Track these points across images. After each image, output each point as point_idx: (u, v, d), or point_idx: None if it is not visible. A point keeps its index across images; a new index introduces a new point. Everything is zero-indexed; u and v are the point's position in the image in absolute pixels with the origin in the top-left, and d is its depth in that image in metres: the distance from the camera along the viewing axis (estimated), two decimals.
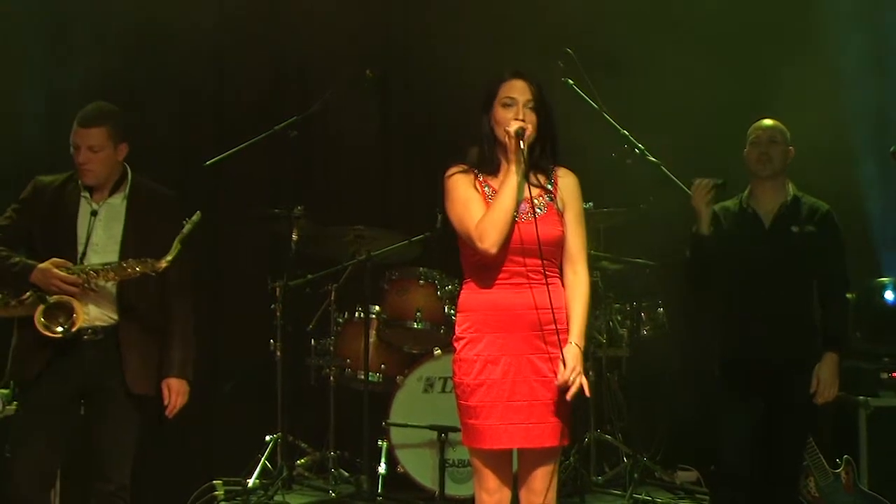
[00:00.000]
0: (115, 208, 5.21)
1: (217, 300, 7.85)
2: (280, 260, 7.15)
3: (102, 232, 5.16)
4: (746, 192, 5.82)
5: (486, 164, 4.48)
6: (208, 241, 7.80)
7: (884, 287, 6.85)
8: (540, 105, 4.44)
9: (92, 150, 5.13)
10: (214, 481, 6.96)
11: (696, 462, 7.36)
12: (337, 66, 7.43)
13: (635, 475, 6.99)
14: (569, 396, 4.32)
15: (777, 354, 5.60)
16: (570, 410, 4.41)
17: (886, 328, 6.78)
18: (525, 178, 4.40)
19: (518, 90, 4.44)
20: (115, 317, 5.13)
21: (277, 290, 7.10)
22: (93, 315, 5.09)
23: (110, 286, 5.10)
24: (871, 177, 7.47)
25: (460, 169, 4.48)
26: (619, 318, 7.39)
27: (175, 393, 5.27)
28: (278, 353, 7.09)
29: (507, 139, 4.38)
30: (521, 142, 4.34)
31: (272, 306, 7.12)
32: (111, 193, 5.23)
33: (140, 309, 5.16)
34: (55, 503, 5.63)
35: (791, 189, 5.77)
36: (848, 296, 5.83)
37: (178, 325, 5.30)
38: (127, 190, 5.26)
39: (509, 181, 4.35)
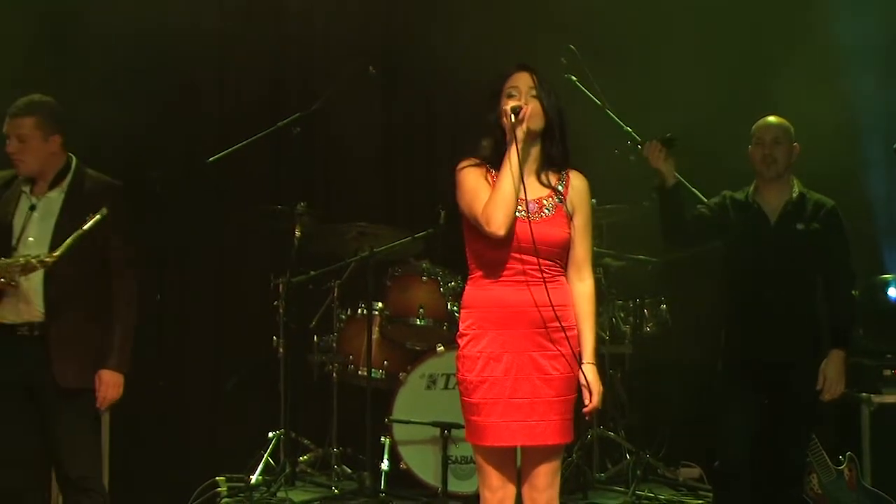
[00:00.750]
0: (52, 202, 5.17)
1: (220, 297, 7.91)
2: (283, 257, 7.15)
3: (38, 227, 5.10)
4: (752, 188, 5.83)
5: (495, 158, 4.47)
6: (211, 239, 7.83)
7: (887, 284, 6.78)
8: (545, 95, 4.44)
9: (20, 139, 5.11)
10: (218, 478, 6.96)
11: (700, 459, 7.36)
12: (339, 63, 7.42)
13: (638, 472, 7.00)
14: (587, 412, 4.39)
15: (781, 351, 5.61)
16: (573, 407, 4.42)
17: (889, 325, 6.71)
18: (538, 178, 4.44)
19: (521, 80, 4.46)
20: (42, 311, 5.08)
21: (280, 286, 7.13)
22: (24, 311, 5.07)
23: (36, 282, 5.04)
24: (875, 172, 7.46)
25: (472, 162, 4.49)
26: (621, 314, 7.42)
27: (106, 385, 5.13)
28: (281, 350, 7.12)
29: (504, 120, 4.39)
30: (514, 117, 4.33)
31: (275, 303, 7.16)
32: (51, 187, 5.19)
33: (71, 302, 5.07)
34: (56, 500, 5.62)
35: (796, 186, 5.78)
36: (854, 293, 5.83)
37: (119, 308, 5.16)
38: (66, 183, 5.22)
39: (509, 161, 4.34)
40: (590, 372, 4.40)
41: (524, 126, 4.35)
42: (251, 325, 7.58)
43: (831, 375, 5.59)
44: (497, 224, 4.31)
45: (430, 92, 8.12)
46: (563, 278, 4.46)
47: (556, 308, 4.34)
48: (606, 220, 7.16)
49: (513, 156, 4.35)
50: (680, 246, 6.09)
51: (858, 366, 6.42)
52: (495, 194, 4.33)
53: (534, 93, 4.43)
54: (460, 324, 4.49)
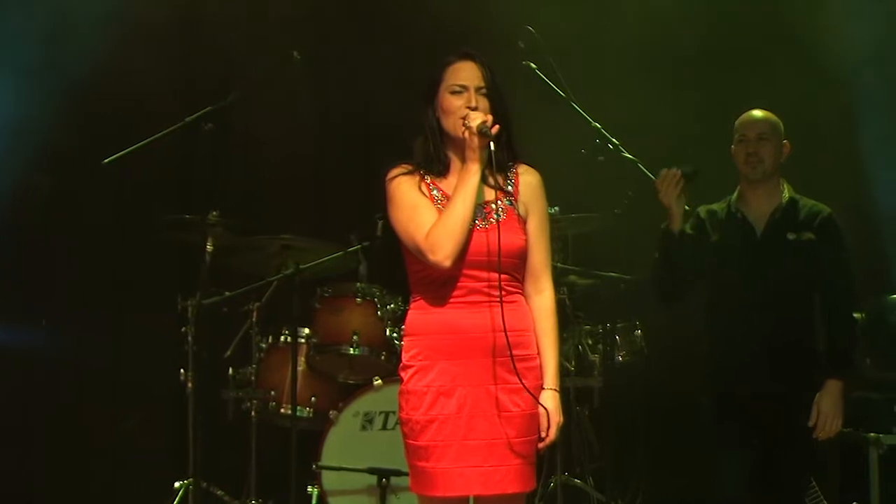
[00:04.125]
0: None
1: (119, 321, 7.88)
2: (192, 274, 7.09)
3: None
4: (735, 194, 5.86)
5: (433, 164, 4.49)
6: (108, 253, 7.77)
7: None
8: (496, 93, 4.45)
9: None
10: None
11: None
12: (262, 51, 7.41)
13: None
14: (542, 447, 4.39)
15: (773, 383, 5.64)
16: (535, 450, 4.44)
17: None
18: (483, 178, 4.42)
19: (468, 74, 4.45)
20: None
21: (189, 309, 7.05)
22: None
23: None
24: (882, 178, 7.52)
25: (403, 170, 4.49)
26: (589, 341, 7.41)
27: None
28: (190, 384, 7.02)
29: (463, 134, 4.38)
30: (489, 140, 4.31)
31: (183, 329, 7.08)
32: None
33: None
34: None
35: (787, 190, 5.81)
36: (856, 315, 5.85)
37: None
38: None
39: (467, 183, 4.35)
40: (550, 399, 4.41)
41: (495, 148, 4.33)
42: (155, 354, 7.57)
43: (826, 409, 5.60)
44: (444, 254, 4.32)
45: (369, 85, 8.12)
46: (521, 296, 4.47)
47: (515, 333, 4.35)
48: (572, 230, 7.17)
49: (473, 179, 4.35)
50: (675, 299, 6.02)
51: (865, 401, 6.49)
52: (445, 221, 4.33)
53: (484, 90, 4.44)
54: (403, 354, 4.49)
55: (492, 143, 4.31)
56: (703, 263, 5.79)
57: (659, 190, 5.64)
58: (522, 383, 4.35)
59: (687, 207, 5.71)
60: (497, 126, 4.33)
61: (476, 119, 4.34)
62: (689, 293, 5.91)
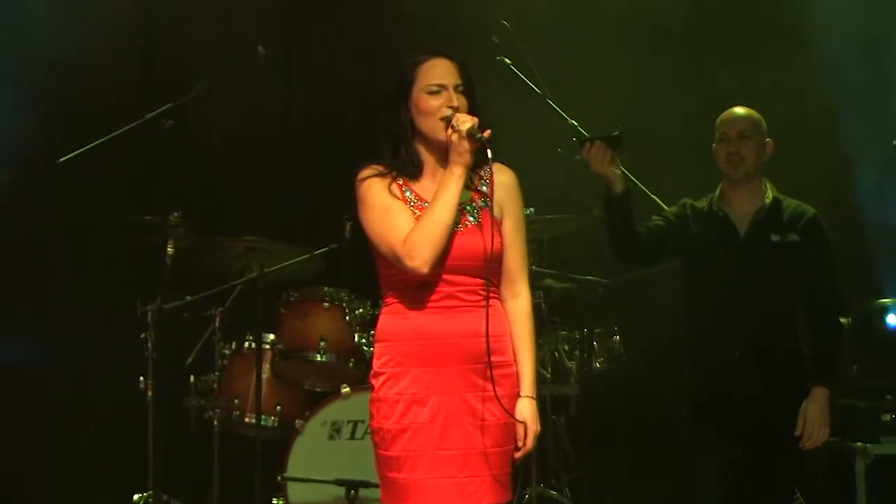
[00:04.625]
0: None
1: (76, 326, 7.87)
2: (152, 278, 7.07)
3: None
4: (717, 193, 5.86)
5: (406, 166, 4.45)
6: (65, 255, 7.73)
7: (885, 310, 6.87)
8: (469, 87, 4.43)
9: None
10: None
11: None
12: (226, 46, 7.38)
13: None
14: (518, 457, 4.38)
15: (756, 390, 5.65)
16: (512, 460, 4.43)
17: (889, 360, 6.80)
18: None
19: (443, 73, 4.42)
20: None
21: (149, 314, 7.01)
22: None
23: None
24: (869, 178, 7.53)
25: (374, 171, 4.44)
26: (566, 347, 7.39)
27: None
28: (150, 393, 6.99)
29: (450, 136, 4.33)
30: (479, 144, 4.27)
31: (142, 335, 7.04)
32: None
33: None
34: None
35: (770, 190, 5.81)
36: (842, 319, 5.86)
37: None
38: None
39: (450, 187, 4.32)
40: (527, 407, 4.40)
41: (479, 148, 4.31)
42: (113, 361, 7.53)
43: (812, 418, 5.60)
44: (423, 260, 4.29)
45: (338, 81, 8.11)
46: (497, 301, 4.45)
47: (492, 339, 4.31)
48: (548, 232, 7.15)
49: (458, 184, 4.32)
50: (633, 263, 6.15)
51: (852, 409, 6.50)
52: (426, 225, 4.30)
53: (461, 88, 4.41)
54: (374, 360, 4.46)
55: (489, 151, 4.28)
56: (677, 241, 5.82)
57: (588, 162, 5.60)
58: (495, 393, 4.33)
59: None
60: (489, 130, 4.31)
61: (466, 122, 4.30)
62: (652, 256, 5.95)
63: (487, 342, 4.29)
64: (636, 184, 6.05)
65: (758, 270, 5.69)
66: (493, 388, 4.33)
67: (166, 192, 7.64)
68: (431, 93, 4.39)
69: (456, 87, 4.39)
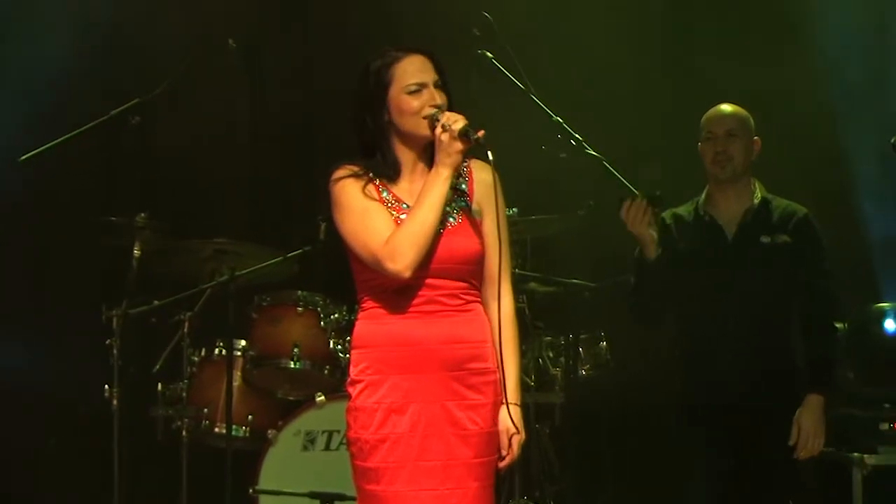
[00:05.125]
0: None
1: (38, 332, 7.85)
2: (118, 282, 7.03)
3: None
4: (703, 195, 5.87)
5: (383, 167, 4.44)
6: (27, 258, 7.70)
7: (883, 314, 6.89)
8: (446, 83, 4.44)
9: None
10: None
11: None
12: (195, 39, 7.36)
13: None
14: (502, 466, 4.37)
15: (748, 399, 5.66)
16: (495, 471, 4.43)
17: (887, 366, 6.80)
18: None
19: (421, 70, 4.42)
20: None
21: (114, 320, 6.97)
22: None
23: None
24: (866, 176, 7.53)
25: (349, 171, 4.43)
26: (550, 354, 7.41)
27: None
28: (115, 402, 6.95)
29: (440, 136, 4.31)
30: (471, 144, 4.26)
31: (107, 341, 7.00)
32: None
33: None
34: None
35: (759, 190, 5.83)
36: (837, 324, 5.86)
37: None
38: None
39: (435, 188, 4.31)
40: (512, 414, 4.39)
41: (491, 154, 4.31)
42: (78, 368, 7.51)
43: (807, 427, 5.61)
44: (405, 264, 4.28)
45: (312, 77, 8.10)
46: (478, 305, 4.45)
47: (473, 345, 4.35)
48: (532, 233, 7.13)
49: (444, 185, 4.32)
50: (655, 325, 6.06)
51: (849, 418, 6.50)
52: (411, 227, 4.29)
53: (440, 84, 4.41)
54: (351, 368, 4.45)
55: (490, 154, 4.29)
56: (674, 281, 5.79)
57: (626, 221, 5.60)
58: (481, 399, 4.34)
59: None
60: (482, 131, 4.30)
61: (458, 122, 4.28)
62: (665, 314, 5.92)
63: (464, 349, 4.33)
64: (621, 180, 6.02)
65: (748, 274, 5.71)
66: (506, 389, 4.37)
67: (133, 192, 7.62)
68: (411, 93, 4.39)
69: (435, 84, 4.40)
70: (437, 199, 4.30)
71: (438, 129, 4.31)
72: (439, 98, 4.37)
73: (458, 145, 4.28)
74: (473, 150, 4.36)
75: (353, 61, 6.67)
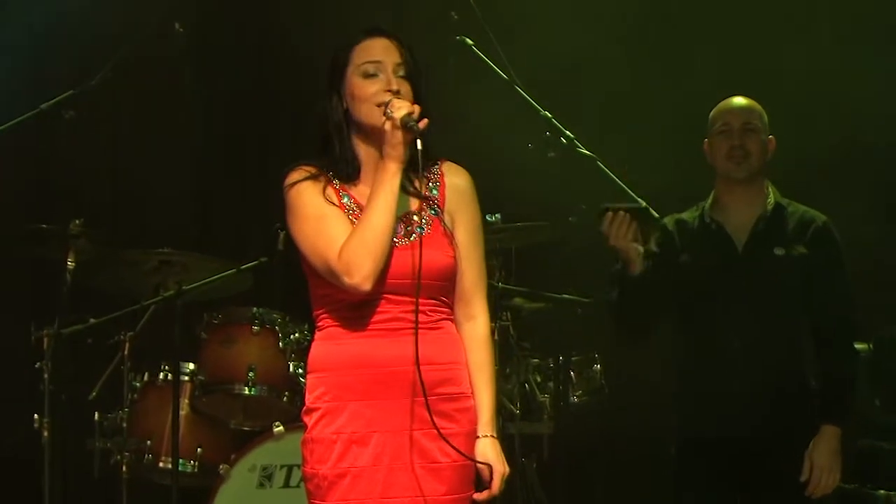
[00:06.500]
0: None
1: None
2: (49, 297, 7.04)
3: None
4: (710, 200, 5.84)
5: (341, 166, 4.44)
6: None
7: None
8: (416, 74, 4.43)
9: None
10: None
11: None
12: (136, 24, 7.35)
13: None
14: (481, 499, 4.34)
15: (756, 429, 5.64)
16: None
17: None
18: (403, 185, 4.39)
19: (381, 51, 4.41)
20: None
21: (45, 340, 6.96)
22: None
23: None
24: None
25: (305, 174, 4.42)
26: (538, 378, 7.40)
27: None
28: (45, 433, 6.93)
29: (384, 125, 4.30)
30: (414, 136, 4.25)
31: (37, 365, 6.98)
32: None
33: None
34: None
35: (772, 195, 5.80)
36: (859, 346, 5.87)
37: None
38: None
39: (384, 186, 4.30)
40: (489, 448, 4.37)
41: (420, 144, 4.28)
42: (3, 394, 7.53)
43: (821, 461, 5.59)
44: (363, 276, 4.27)
45: (269, 66, 8.10)
46: (450, 323, 4.45)
47: (443, 367, 4.35)
48: (517, 243, 7.12)
49: (393, 181, 4.30)
50: (641, 339, 6.09)
51: (874, 451, 6.49)
52: (363, 233, 4.28)
53: (402, 71, 4.39)
54: (307, 394, 4.43)
55: (418, 141, 4.25)
56: (671, 295, 5.78)
57: (607, 235, 5.57)
58: (454, 427, 4.34)
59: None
60: (426, 120, 4.27)
61: (400, 109, 4.26)
62: (654, 331, 5.92)
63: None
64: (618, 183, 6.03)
65: (759, 290, 5.69)
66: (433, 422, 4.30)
67: (66, 196, 7.60)
68: (367, 75, 4.39)
69: (396, 69, 4.39)
70: (387, 197, 4.29)
71: (382, 117, 4.28)
72: (397, 85, 4.35)
73: (400, 136, 4.25)
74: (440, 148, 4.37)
75: (316, 48, 6.71)
